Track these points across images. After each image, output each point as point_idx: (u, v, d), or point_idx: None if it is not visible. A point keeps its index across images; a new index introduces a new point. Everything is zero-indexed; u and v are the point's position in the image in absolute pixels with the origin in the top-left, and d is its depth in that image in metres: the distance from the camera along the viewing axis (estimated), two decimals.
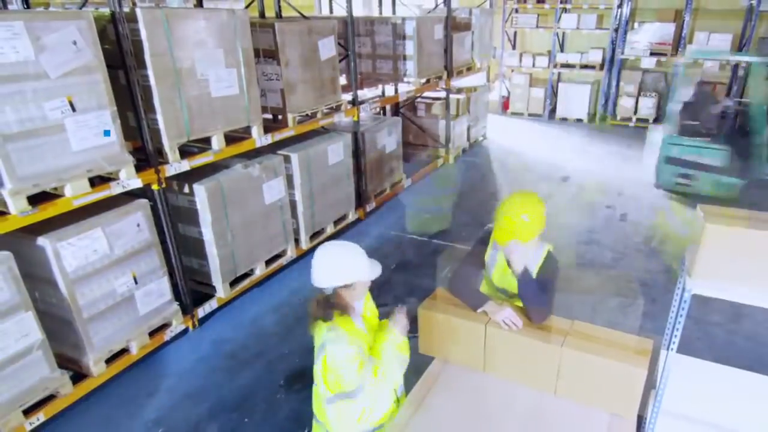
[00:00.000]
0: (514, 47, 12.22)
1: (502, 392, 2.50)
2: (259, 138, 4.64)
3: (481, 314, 2.55)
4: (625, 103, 10.66)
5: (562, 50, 11.59)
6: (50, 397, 3.40)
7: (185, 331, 4.35)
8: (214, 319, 4.58)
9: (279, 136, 4.91)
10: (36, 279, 3.31)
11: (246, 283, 4.87)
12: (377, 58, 7.23)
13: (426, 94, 8.55)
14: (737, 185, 6.34)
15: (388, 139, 6.91)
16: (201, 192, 4.22)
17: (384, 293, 4.90)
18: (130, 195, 3.70)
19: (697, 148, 6.60)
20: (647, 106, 10.47)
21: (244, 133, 4.58)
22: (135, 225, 3.70)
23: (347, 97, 5.97)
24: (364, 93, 6.85)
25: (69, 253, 3.30)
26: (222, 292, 4.62)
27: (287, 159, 5.07)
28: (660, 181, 7.03)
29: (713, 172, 6.49)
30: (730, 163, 6.44)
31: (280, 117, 5.09)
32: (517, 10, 11.67)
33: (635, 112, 10.62)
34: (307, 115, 5.26)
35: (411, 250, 5.76)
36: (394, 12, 8.74)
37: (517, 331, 2.43)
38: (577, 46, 11.48)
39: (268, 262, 5.08)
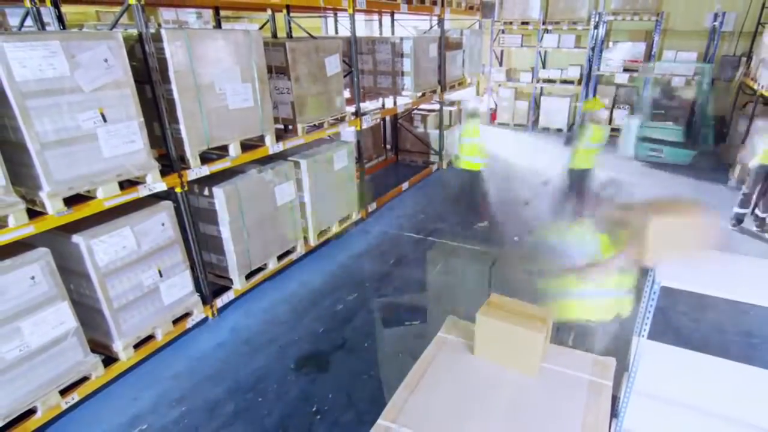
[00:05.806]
0: (501, 64, 12.22)
1: (490, 374, 2.51)
2: (271, 146, 4.63)
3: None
4: (601, 115, 10.63)
5: (544, 67, 11.58)
6: (84, 379, 3.41)
7: (205, 319, 4.35)
8: (231, 308, 4.58)
9: (290, 144, 4.91)
10: (71, 273, 3.32)
11: (260, 276, 4.87)
12: (378, 73, 7.23)
13: (422, 106, 8.54)
14: (690, 154, 8.32)
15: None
16: (220, 194, 4.22)
17: (384, 285, 4.92)
18: (156, 197, 3.69)
19: (662, 129, 8.59)
20: (621, 116, 10.45)
21: (258, 142, 4.58)
22: (160, 224, 3.71)
23: (351, 109, 5.97)
24: (366, 105, 6.85)
25: (101, 250, 3.31)
26: (238, 284, 4.62)
27: (297, 165, 5.07)
28: (637, 154, 8.70)
29: (673, 146, 8.49)
30: (685, 139, 8.45)
31: (290, 127, 5.09)
32: (503, 31, 11.68)
33: (610, 123, 10.62)
34: (314, 125, 5.26)
35: (408, 247, 5.75)
36: (393, 32, 8.73)
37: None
38: (557, 63, 11.47)
39: (280, 258, 5.08)
